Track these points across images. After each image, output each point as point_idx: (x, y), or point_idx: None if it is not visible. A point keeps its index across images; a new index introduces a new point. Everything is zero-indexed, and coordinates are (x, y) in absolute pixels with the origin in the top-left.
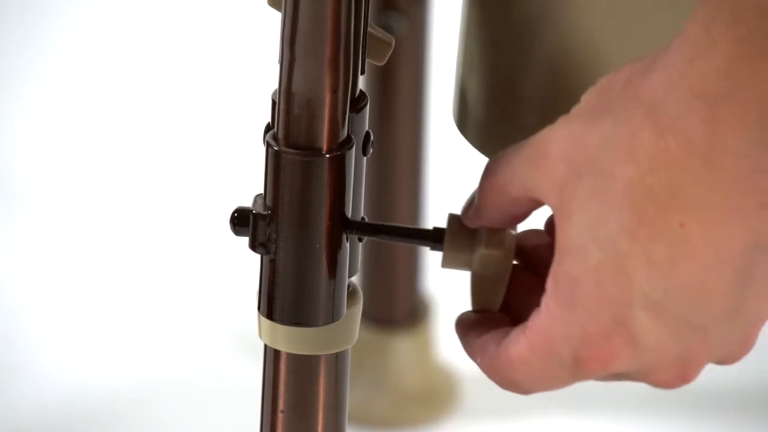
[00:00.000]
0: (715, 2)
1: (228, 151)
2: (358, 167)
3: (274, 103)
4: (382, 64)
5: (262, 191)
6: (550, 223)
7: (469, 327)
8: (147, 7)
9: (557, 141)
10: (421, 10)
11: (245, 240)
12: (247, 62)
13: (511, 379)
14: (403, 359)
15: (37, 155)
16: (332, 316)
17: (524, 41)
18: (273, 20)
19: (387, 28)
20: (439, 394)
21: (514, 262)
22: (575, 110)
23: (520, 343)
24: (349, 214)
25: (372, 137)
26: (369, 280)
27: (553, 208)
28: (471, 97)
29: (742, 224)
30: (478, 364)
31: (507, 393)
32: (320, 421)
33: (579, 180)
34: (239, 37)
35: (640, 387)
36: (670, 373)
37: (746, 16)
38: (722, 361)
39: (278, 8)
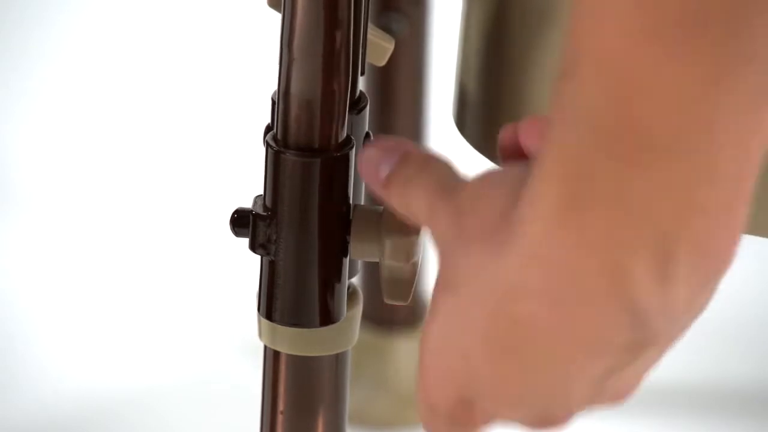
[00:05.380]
0: (550, 152)
1: (228, 151)
2: None
3: (274, 103)
4: (381, 65)
5: (262, 192)
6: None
7: None
8: (147, 8)
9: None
10: (421, 10)
11: (245, 241)
12: (247, 63)
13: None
14: (403, 360)
15: (37, 155)
16: (332, 318)
17: (524, 42)
18: (273, 20)
19: (387, 29)
20: None
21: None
22: (453, 211)
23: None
24: (349, 215)
25: (372, 138)
26: (369, 281)
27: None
28: (470, 98)
29: (595, 358)
30: None
31: None
32: (320, 421)
33: (447, 294)
34: (239, 37)
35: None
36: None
37: (574, 164)
38: (596, 408)
39: (278, 9)
